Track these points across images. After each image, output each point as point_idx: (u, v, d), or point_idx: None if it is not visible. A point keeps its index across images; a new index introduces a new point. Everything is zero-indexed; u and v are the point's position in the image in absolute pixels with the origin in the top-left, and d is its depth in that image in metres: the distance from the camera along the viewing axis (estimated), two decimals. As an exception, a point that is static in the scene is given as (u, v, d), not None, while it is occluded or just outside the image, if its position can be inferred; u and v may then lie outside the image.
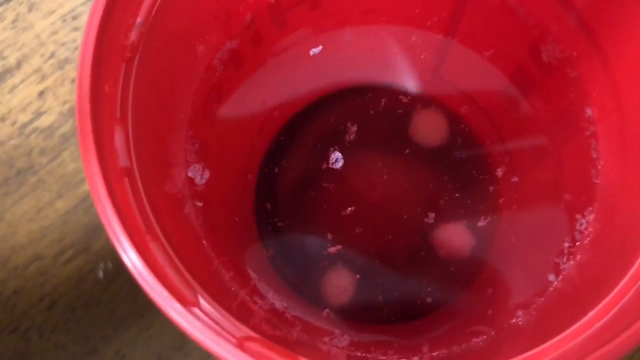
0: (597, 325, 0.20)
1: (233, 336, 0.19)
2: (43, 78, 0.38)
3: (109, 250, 0.36)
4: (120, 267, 0.35)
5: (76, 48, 0.39)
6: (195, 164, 0.27)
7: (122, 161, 0.21)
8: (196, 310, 0.19)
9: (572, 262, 0.26)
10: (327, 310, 0.28)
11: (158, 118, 0.24)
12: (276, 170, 0.33)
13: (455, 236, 0.32)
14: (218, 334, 0.18)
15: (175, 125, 0.26)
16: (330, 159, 0.33)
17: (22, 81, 0.38)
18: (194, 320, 0.18)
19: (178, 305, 0.18)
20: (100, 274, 0.36)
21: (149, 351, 0.35)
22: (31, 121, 0.38)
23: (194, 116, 0.27)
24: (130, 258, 0.19)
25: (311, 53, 0.31)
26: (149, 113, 0.23)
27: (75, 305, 0.35)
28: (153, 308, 0.36)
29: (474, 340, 0.25)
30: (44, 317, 0.35)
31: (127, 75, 0.22)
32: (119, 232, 0.19)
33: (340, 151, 0.33)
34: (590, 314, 0.20)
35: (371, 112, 0.33)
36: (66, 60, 0.39)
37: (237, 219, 0.31)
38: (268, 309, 0.25)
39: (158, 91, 0.24)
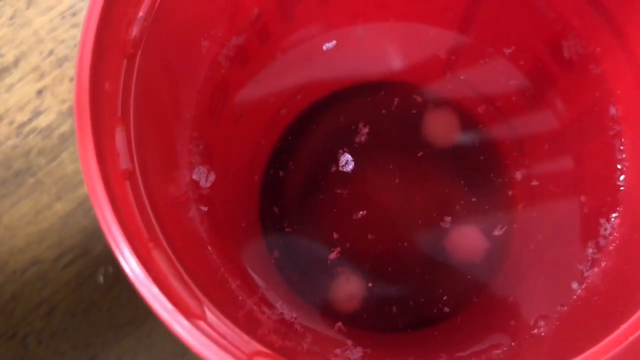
0: (629, 340, 0.19)
1: (242, 351, 0.18)
2: (41, 76, 0.38)
3: (109, 254, 0.35)
4: (121, 272, 0.34)
5: (75, 45, 0.38)
6: (200, 166, 0.26)
7: (124, 163, 0.20)
8: (202, 323, 0.18)
9: (596, 270, 0.25)
10: (339, 323, 0.27)
11: (161, 117, 0.23)
12: (281, 173, 0.32)
13: (473, 242, 0.31)
14: (226, 349, 0.17)
15: (179, 125, 0.25)
16: (340, 161, 0.32)
17: (20, 79, 0.37)
18: (200, 335, 0.17)
19: (183, 319, 0.17)
20: (101, 278, 0.35)
21: (151, 358, 0.34)
22: (29, 121, 0.37)
23: (199, 115, 0.25)
24: (132, 267, 0.18)
25: (324, 48, 0.30)
26: (152, 112, 0.22)
27: (75, 310, 0.35)
28: (154, 314, 0.36)
29: (494, 352, 0.24)
30: (43, 323, 0.35)
31: (128, 72, 0.20)
32: (120, 239, 0.18)
33: (350, 153, 0.32)
34: (623, 327, 0.19)
35: (383, 111, 0.32)
36: (65, 58, 0.38)
37: (243, 224, 0.30)
38: (277, 319, 0.24)
39: (161, 89, 0.23)
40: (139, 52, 0.21)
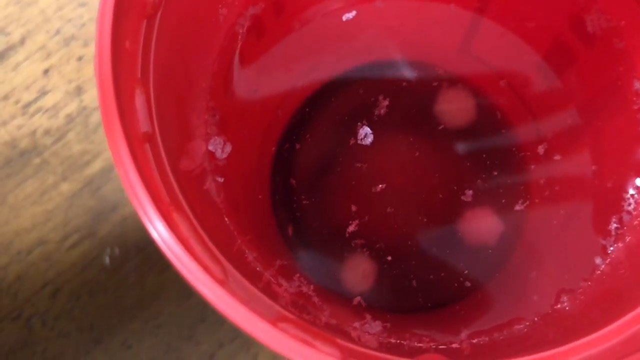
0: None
1: (265, 315, 0.17)
2: (48, 55, 0.37)
3: (115, 235, 0.35)
4: (127, 253, 0.34)
5: (83, 25, 0.38)
6: (216, 137, 0.25)
7: (144, 126, 0.19)
8: (226, 287, 0.18)
9: (620, 245, 0.24)
10: (358, 297, 0.27)
11: (179, 83, 0.23)
12: (298, 146, 0.31)
13: (494, 216, 0.30)
14: (253, 310, 0.17)
15: (196, 94, 0.24)
16: (359, 134, 0.31)
17: (27, 58, 0.37)
18: (226, 295, 0.17)
19: (209, 279, 0.17)
20: (107, 260, 0.35)
21: (157, 341, 0.34)
22: (35, 100, 0.37)
23: (215, 85, 0.25)
24: (156, 227, 0.17)
25: (344, 18, 0.29)
26: (170, 76, 0.22)
27: (80, 292, 0.34)
28: (162, 297, 0.35)
29: (516, 327, 0.23)
30: (48, 305, 0.34)
31: (148, 33, 0.20)
32: (144, 199, 0.17)
33: (369, 126, 0.31)
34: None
35: (403, 84, 0.32)
36: (72, 37, 0.37)
37: (260, 196, 0.29)
38: (294, 292, 0.24)
39: (179, 53, 0.23)
40: (159, 14, 0.21)
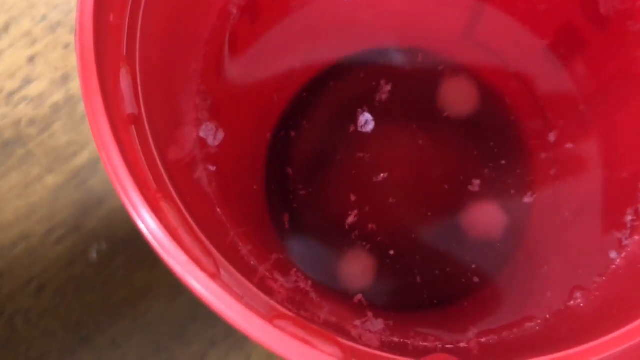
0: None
1: (261, 312, 0.16)
2: (33, 42, 0.36)
3: (103, 229, 0.34)
4: (115, 248, 0.33)
5: (70, 11, 0.37)
6: (208, 123, 0.24)
7: (129, 107, 0.18)
8: (218, 281, 0.16)
9: (636, 238, 0.23)
10: (359, 294, 0.25)
11: (168, 63, 0.21)
12: (294, 133, 0.30)
13: (502, 208, 0.29)
14: (248, 307, 0.15)
15: (186, 76, 0.23)
16: (360, 121, 0.30)
17: (11, 45, 0.36)
18: (219, 289, 0.15)
19: (199, 272, 0.15)
20: (94, 255, 0.34)
21: (146, 340, 0.33)
22: (20, 89, 0.36)
23: (206, 68, 0.24)
24: (142, 216, 0.16)
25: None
26: (159, 56, 0.20)
27: (66, 289, 0.34)
28: (151, 293, 0.34)
29: (527, 324, 0.22)
30: (32, 302, 0.33)
31: (135, 7, 0.18)
32: (129, 185, 0.16)
33: (370, 112, 0.30)
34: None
35: (404, 72, 0.31)
36: (59, 24, 0.36)
37: (254, 186, 0.28)
38: (290, 288, 0.22)
39: (168, 32, 0.21)
40: (147, -13, 0.19)
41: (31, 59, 0.36)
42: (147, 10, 0.19)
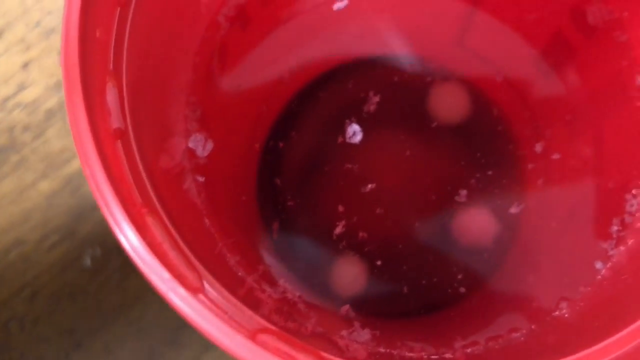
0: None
1: (245, 328, 0.16)
2: (27, 48, 0.36)
3: (97, 235, 0.34)
4: (109, 254, 0.33)
5: (64, 17, 0.36)
6: (197, 134, 0.24)
7: (115, 122, 0.18)
8: (201, 297, 0.16)
9: (622, 248, 0.23)
10: (346, 305, 0.25)
11: (156, 76, 0.21)
12: (283, 144, 0.30)
13: (489, 218, 0.29)
14: (228, 323, 0.15)
15: (175, 88, 0.23)
16: (347, 132, 0.30)
17: (5, 51, 0.36)
18: (200, 307, 0.15)
19: (181, 289, 0.15)
20: (88, 261, 0.34)
21: (140, 345, 0.33)
22: (14, 95, 0.36)
23: (196, 79, 0.24)
24: (125, 232, 0.16)
25: (335, 8, 0.28)
26: (147, 69, 0.20)
27: (60, 295, 0.34)
28: (144, 299, 0.34)
29: (513, 335, 0.22)
30: (26, 308, 0.33)
31: (121, 22, 0.19)
32: (112, 202, 0.16)
33: (358, 123, 0.30)
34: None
35: (394, 79, 0.31)
36: (53, 30, 0.36)
37: (243, 197, 0.28)
38: (278, 298, 0.22)
39: (156, 45, 0.21)
40: (133, 1, 0.19)
41: (25, 65, 0.37)
42: (134, 24, 0.19)
